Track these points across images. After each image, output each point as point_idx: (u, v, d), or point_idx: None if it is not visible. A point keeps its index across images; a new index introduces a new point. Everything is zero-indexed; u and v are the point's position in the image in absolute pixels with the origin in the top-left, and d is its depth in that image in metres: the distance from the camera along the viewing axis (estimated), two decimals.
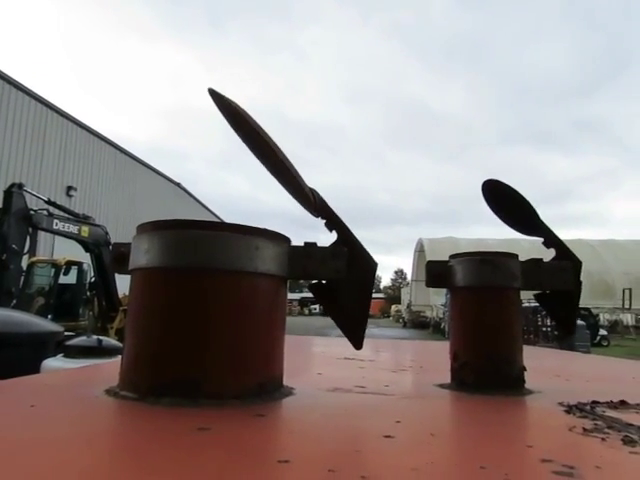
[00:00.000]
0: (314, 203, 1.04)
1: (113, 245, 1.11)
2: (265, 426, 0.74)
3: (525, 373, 1.19)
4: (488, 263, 1.21)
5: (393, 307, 63.45)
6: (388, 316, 65.26)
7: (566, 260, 1.25)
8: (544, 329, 18.23)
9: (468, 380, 1.16)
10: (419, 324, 35.90)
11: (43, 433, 0.64)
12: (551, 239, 1.28)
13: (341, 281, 1.02)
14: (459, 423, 0.89)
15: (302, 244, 1.05)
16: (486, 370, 1.15)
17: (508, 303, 1.21)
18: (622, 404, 0.98)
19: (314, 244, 1.05)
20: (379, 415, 0.85)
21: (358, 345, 1.04)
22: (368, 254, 1.07)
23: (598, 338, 19.47)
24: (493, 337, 1.18)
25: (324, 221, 1.06)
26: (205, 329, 0.89)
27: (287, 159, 0.99)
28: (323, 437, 0.69)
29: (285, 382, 1.01)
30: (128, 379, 0.91)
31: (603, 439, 0.70)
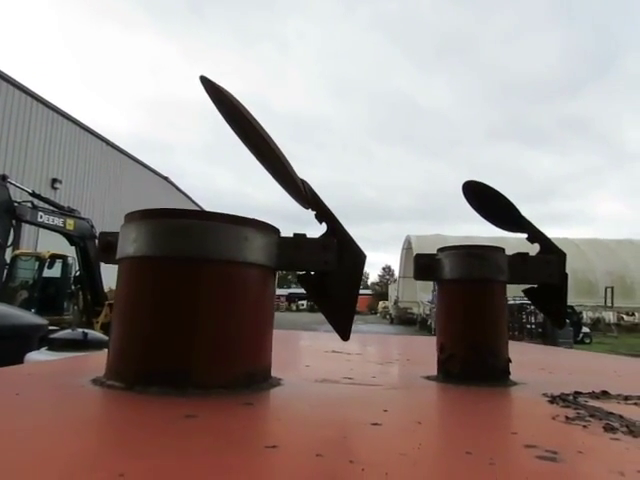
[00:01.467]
0: (304, 194, 1.04)
1: (100, 234, 1.10)
2: (253, 414, 0.74)
3: (510, 365, 1.20)
4: (475, 256, 1.23)
5: (380, 303, 63.75)
6: (375, 312, 65.56)
7: (550, 254, 1.27)
8: (529, 326, 18.50)
9: (454, 371, 1.17)
10: (406, 320, 36.15)
11: (28, 420, 0.63)
12: (535, 234, 1.29)
13: (330, 272, 1.03)
14: (445, 412, 0.90)
15: (291, 235, 1.05)
16: (472, 362, 1.16)
17: (494, 296, 1.22)
18: (604, 394, 1.00)
19: (303, 235, 1.05)
20: (366, 404, 0.85)
21: (345, 336, 1.04)
22: (357, 246, 1.07)
23: (581, 335, 19.79)
24: (479, 329, 1.19)
25: (314, 213, 1.06)
26: (193, 319, 0.89)
27: (278, 149, 0.98)
28: (311, 424, 0.69)
29: (273, 374, 1.01)
30: (115, 368, 0.90)
31: (585, 426, 0.72)
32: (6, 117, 17.81)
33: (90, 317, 11.85)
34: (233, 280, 0.94)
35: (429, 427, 0.71)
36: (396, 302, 41.90)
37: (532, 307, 16.60)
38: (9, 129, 17.90)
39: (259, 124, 0.96)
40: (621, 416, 0.78)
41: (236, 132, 1.00)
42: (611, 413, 0.81)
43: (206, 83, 0.93)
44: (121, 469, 0.45)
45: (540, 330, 17.37)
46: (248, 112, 0.94)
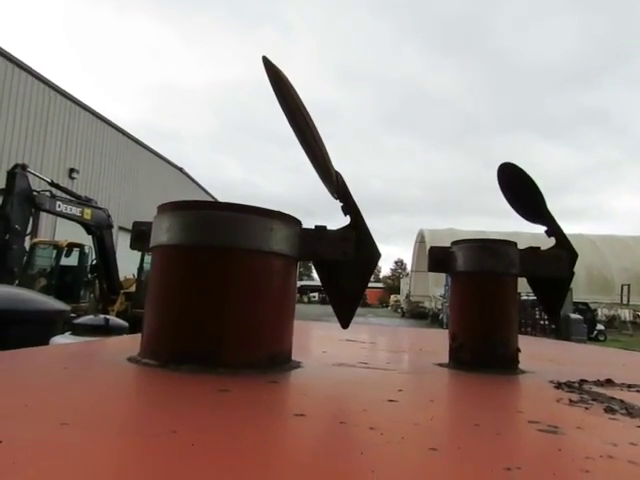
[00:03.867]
0: (336, 185, 1.10)
1: (133, 223, 1.17)
2: (279, 390, 0.81)
3: (520, 356, 1.26)
4: (488, 250, 1.28)
5: (392, 297, 63.66)
6: (387, 306, 65.59)
7: (563, 250, 1.32)
8: (542, 322, 18.37)
9: (465, 360, 1.23)
10: (418, 314, 36.10)
11: (78, 390, 0.71)
12: (553, 229, 1.33)
13: (345, 263, 1.09)
14: (455, 393, 0.96)
15: (313, 227, 1.12)
16: (482, 351, 1.22)
17: (506, 288, 1.27)
18: (608, 382, 1.05)
19: (324, 227, 1.11)
20: (382, 385, 0.92)
21: (345, 325, 1.11)
22: (374, 244, 1.13)
23: (595, 332, 19.60)
24: (490, 320, 1.24)
25: (341, 205, 1.12)
26: (222, 303, 0.96)
27: (320, 139, 1.04)
28: (333, 399, 0.76)
29: (292, 358, 1.08)
30: (149, 348, 0.98)
31: (587, 408, 0.77)
32: (25, 107, 18.11)
33: (106, 305, 12.10)
34: (259, 269, 1.00)
35: (441, 404, 0.77)
36: (408, 296, 41.82)
37: None
38: (28, 119, 18.20)
39: (307, 112, 1.01)
40: (622, 400, 0.83)
41: (286, 116, 1.05)
42: (613, 398, 0.86)
43: (267, 64, 0.98)
44: (173, 427, 0.52)
45: (553, 326, 17.24)
46: (299, 98, 1.00)
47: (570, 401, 0.82)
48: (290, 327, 1.07)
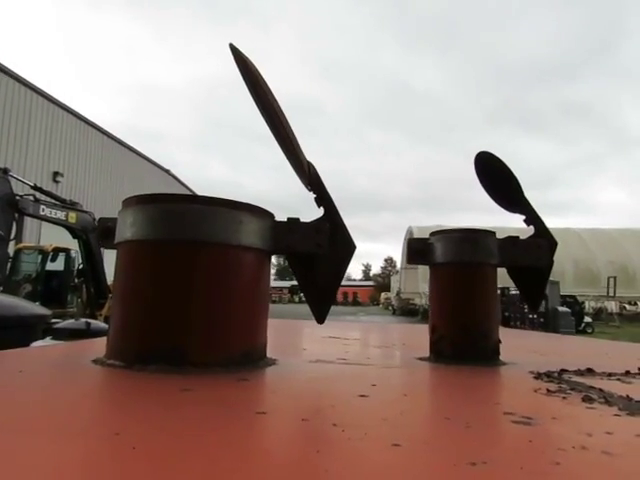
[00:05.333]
0: (308, 176, 1.07)
1: (99, 220, 1.13)
2: (247, 388, 0.77)
3: (503, 348, 1.23)
4: (466, 240, 1.25)
5: (382, 295, 63.87)
6: (377, 304, 65.76)
7: (543, 239, 1.30)
8: (530, 316, 18.53)
9: (445, 352, 1.20)
10: (408, 311, 36.26)
11: (28, 394, 0.67)
12: (532, 217, 1.31)
13: (319, 257, 1.06)
14: (431, 386, 0.93)
15: (285, 219, 1.08)
16: (462, 343, 1.20)
17: (485, 279, 1.25)
18: (589, 372, 1.03)
19: (297, 219, 1.08)
20: (356, 380, 0.89)
21: (321, 320, 1.08)
22: (349, 236, 1.10)
23: (583, 325, 19.81)
24: (470, 311, 1.22)
25: (314, 196, 1.09)
26: (189, 300, 0.92)
27: (289, 126, 1.01)
28: (301, 396, 0.72)
29: (271, 357, 1.05)
30: (115, 348, 0.94)
31: (564, 398, 0.75)
32: (7, 111, 17.81)
33: (94, 310, 11.93)
34: (228, 263, 0.97)
35: (414, 398, 0.74)
36: (398, 293, 41.99)
37: None
38: (10, 122, 17.91)
39: (275, 99, 0.98)
40: (601, 389, 0.81)
41: (256, 103, 1.02)
42: (592, 387, 0.84)
43: (234, 52, 0.95)
44: (117, 429, 0.48)
45: (542, 320, 17.40)
46: (267, 86, 0.97)
47: (548, 391, 0.79)
48: (264, 323, 1.03)
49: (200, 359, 0.89)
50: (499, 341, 1.23)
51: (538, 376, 0.95)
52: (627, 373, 1.02)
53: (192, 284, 0.93)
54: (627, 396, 0.75)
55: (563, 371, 1.02)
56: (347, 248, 1.09)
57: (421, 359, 1.22)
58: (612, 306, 27.15)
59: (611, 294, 24.47)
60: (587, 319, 21.15)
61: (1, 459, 0.40)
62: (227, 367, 0.90)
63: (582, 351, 1.80)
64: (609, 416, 0.63)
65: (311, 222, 1.08)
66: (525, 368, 1.07)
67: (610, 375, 0.99)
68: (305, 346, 1.64)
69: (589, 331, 20.08)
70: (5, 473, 0.37)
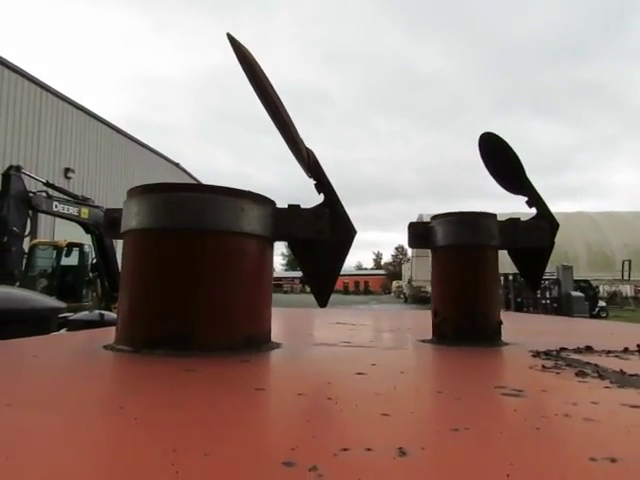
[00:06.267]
0: (308, 162, 1.08)
1: (105, 211, 1.16)
2: (249, 368, 0.80)
3: (506, 330, 1.25)
4: (467, 223, 1.26)
5: (394, 283, 63.73)
6: (389, 292, 65.70)
7: (544, 220, 1.30)
8: (543, 301, 18.40)
9: (447, 334, 1.22)
10: (420, 299, 36.17)
11: (42, 375, 0.70)
12: (534, 199, 1.32)
13: (320, 242, 1.08)
14: (429, 364, 0.96)
15: (286, 206, 1.10)
16: (464, 324, 1.21)
17: (486, 261, 1.26)
18: (587, 349, 1.04)
19: (297, 206, 1.10)
20: (357, 360, 0.91)
21: (323, 303, 1.10)
22: (349, 221, 1.12)
23: (597, 309, 19.61)
24: (471, 293, 1.23)
25: (314, 183, 1.10)
26: (194, 286, 0.95)
27: (288, 115, 1.03)
28: (300, 374, 0.75)
29: (277, 341, 1.07)
30: (124, 334, 0.97)
31: (558, 373, 0.76)
32: (17, 109, 18.01)
33: (108, 303, 12.10)
34: (230, 249, 0.99)
35: (410, 375, 0.76)
36: (410, 281, 41.88)
37: (546, 282, 16.48)
38: (21, 120, 18.11)
39: (273, 88, 1.00)
40: (596, 365, 0.83)
41: (255, 92, 1.03)
42: (588, 363, 0.85)
43: (232, 42, 0.97)
44: (121, 403, 0.51)
45: (555, 305, 17.28)
46: (264, 74, 0.99)
47: (543, 367, 0.81)
48: (267, 308, 1.06)
49: (205, 343, 0.92)
50: (500, 322, 1.24)
51: (537, 354, 0.97)
52: (625, 350, 1.04)
53: (196, 271, 0.96)
54: (621, 370, 0.77)
55: (562, 349, 1.03)
56: (347, 233, 1.11)
57: (423, 341, 1.24)
58: (627, 290, 26.81)
59: (626, 277, 24.16)
60: (601, 303, 20.94)
61: (17, 431, 0.43)
62: (231, 351, 0.93)
63: (586, 331, 1.81)
64: (599, 388, 0.65)
65: (311, 208, 1.10)
66: (526, 348, 1.09)
67: (609, 352, 1.00)
68: (312, 332, 1.67)
69: (603, 315, 19.89)
70: (19, 444, 0.40)
